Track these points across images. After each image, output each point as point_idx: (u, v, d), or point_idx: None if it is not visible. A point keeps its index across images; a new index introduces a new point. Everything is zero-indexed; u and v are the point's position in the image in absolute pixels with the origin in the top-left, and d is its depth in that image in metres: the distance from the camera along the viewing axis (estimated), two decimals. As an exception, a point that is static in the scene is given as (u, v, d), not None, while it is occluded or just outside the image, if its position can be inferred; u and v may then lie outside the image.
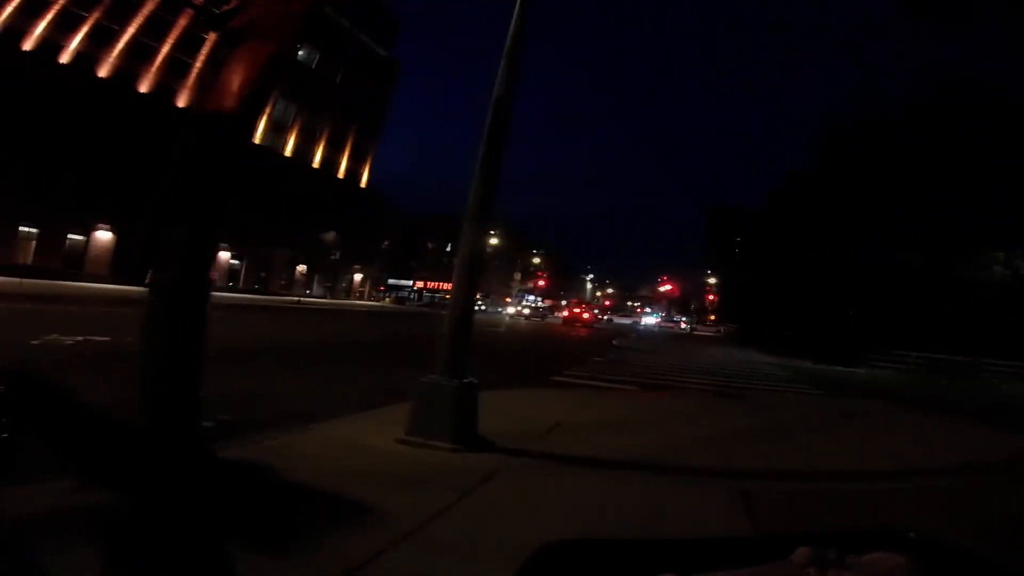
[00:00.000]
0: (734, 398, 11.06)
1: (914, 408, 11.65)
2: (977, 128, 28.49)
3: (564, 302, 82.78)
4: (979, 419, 10.54)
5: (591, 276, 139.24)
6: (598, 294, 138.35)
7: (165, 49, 39.54)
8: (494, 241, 68.32)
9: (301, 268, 49.73)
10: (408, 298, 68.11)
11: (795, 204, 38.09)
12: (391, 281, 71.25)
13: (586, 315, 54.20)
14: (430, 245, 76.46)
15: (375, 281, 61.10)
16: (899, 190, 30.19)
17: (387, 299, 58.85)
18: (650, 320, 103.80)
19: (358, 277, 57.70)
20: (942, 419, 10.33)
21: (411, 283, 73.64)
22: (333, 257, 53.22)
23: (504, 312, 68.77)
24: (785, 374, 19.41)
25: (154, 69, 38.97)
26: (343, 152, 56.87)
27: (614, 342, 27.92)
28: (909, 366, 26.33)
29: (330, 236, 51.19)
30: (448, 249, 79.23)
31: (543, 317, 60.54)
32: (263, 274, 45.40)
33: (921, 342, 26.91)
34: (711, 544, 1.42)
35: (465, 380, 5.25)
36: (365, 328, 25.23)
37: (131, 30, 37.69)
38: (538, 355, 19.07)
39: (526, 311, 64.76)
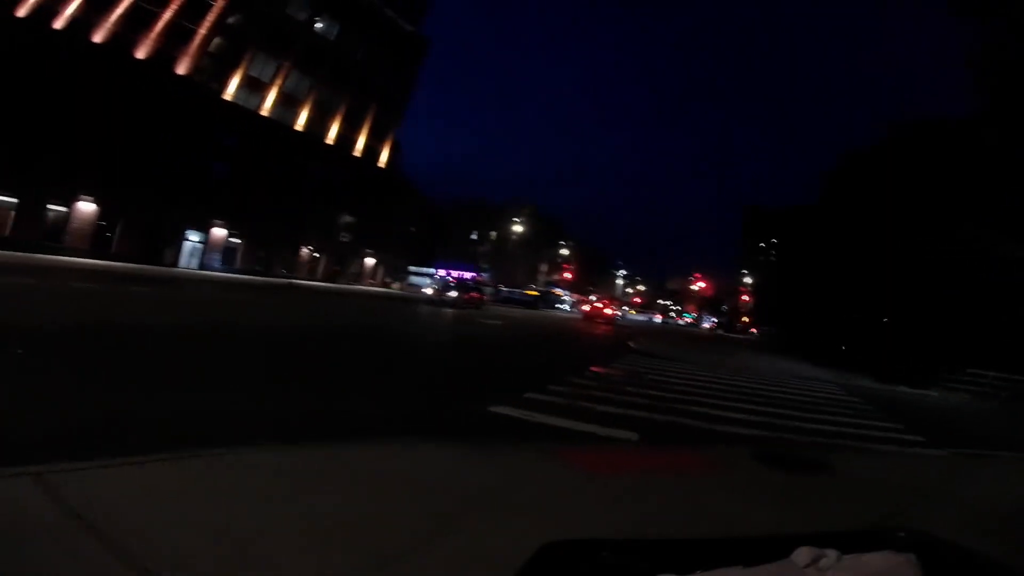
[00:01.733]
0: (809, 471, 6.23)
1: None
2: None
3: (593, 297, 79.74)
4: None
5: (623, 272, 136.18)
6: (628, 290, 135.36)
7: (166, 16, 37.52)
8: (518, 228, 66.45)
9: (307, 249, 47.44)
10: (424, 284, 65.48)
11: (853, 189, 34.35)
12: (413, 268, 69.32)
13: (608, 311, 50.33)
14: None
15: (390, 266, 58.62)
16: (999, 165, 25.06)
17: (396, 284, 56.36)
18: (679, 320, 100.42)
19: (370, 261, 55.36)
20: None
21: (433, 270, 71.56)
22: (343, 239, 51.02)
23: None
24: (853, 399, 15.32)
25: (151, 35, 36.97)
26: (360, 130, 54.62)
27: (631, 344, 23.51)
28: (984, 388, 23.17)
29: (341, 217, 49.17)
30: (474, 237, 77.31)
31: (460, 305, 57.66)
32: (263, 254, 43.21)
33: (994, 359, 23.66)
34: (711, 544, 1.38)
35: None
36: (328, 312, 22.12)
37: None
38: (530, 359, 15.44)
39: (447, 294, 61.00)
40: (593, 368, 13.27)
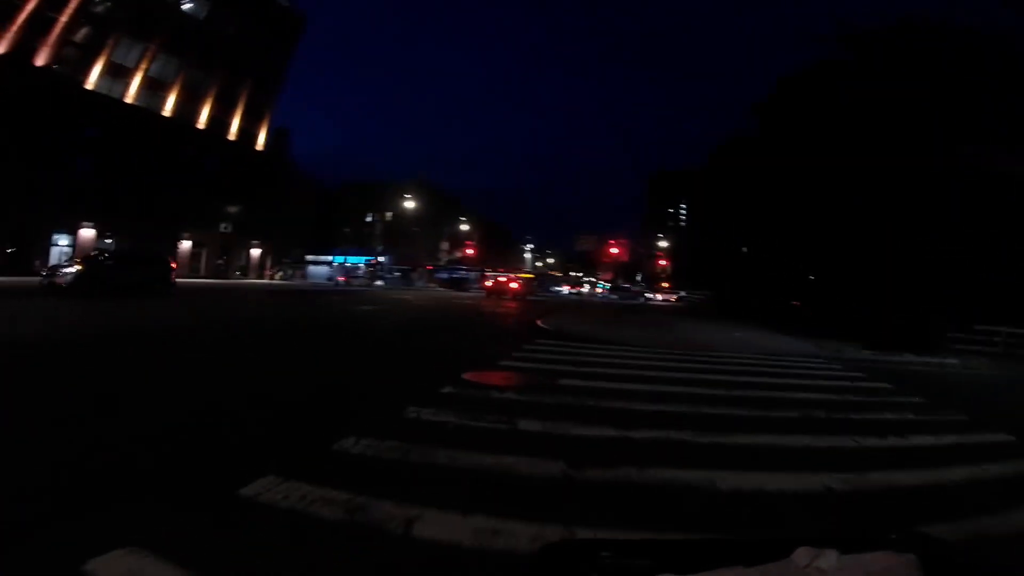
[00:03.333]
0: None
1: None
2: None
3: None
4: None
5: (531, 246, 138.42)
6: (538, 264, 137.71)
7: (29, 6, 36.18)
8: (410, 204, 66.50)
9: (186, 244, 46.74)
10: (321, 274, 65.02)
11: (799, 114, 29.59)
12: (310, 257, 68.43)
13: (514, 284, 45.99)
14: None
15: (277, 256, 58.27)
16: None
17: (278, 275, 55.95)
18: (594, 289, 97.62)
19: (256, 252, 54.91)
20: None
21: (331, 258, 70.95)
22: (225, 230, 50.44)
23: (420, 284, 67.01)
24: (880, 385, 11.29)
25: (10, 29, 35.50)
26: (235, 112, 53.98)
27: (540, 323, 19.79)
28: (1001, 348, 19.92)
29: (220, 206, 48.55)
30: (369, 219, 76.84)
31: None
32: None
33: (1000, 311, 20.63)
34: (711, 544, 1.44)
35: None
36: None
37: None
38: (387, 360, 10.79)
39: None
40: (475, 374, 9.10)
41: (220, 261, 50.51)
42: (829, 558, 1.04)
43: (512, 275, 52.67)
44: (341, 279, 59.13)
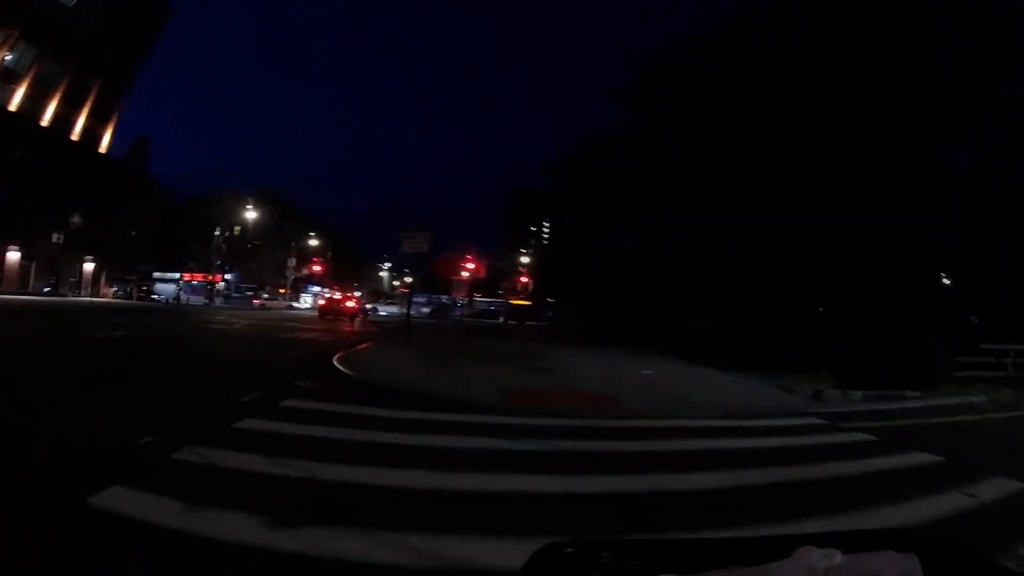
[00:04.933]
0: None
1: None
2: None
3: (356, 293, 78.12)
4: None
5: (388, 265, 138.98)
6: (395, 283, 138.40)
7: None
8: (251, 215, 64.84)
9: (13, 255, 44.08)
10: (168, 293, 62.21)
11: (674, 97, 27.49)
12: (157, 274, 65.62)
13: (350, 303, 44.63)
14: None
15: (114, 272, 55.95)
16: None
17: (112, 293, 54.23)
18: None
19: (89, 267, 52.47)
20: None
21: (178, 275, 68.58)
22: (56, 240, 47.93)
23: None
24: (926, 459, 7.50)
25: None
26: (81, 109, 51.68)
27: (338, 361, 13.95)
28: (1008, 370, 17.08)
29: (54, 214, 46.28)
30: (217, 233, 74.68)
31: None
32: None
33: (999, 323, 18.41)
34: (711, 544, 1.52)
35: None
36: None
37: None
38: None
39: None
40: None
41: (51, 279, 47.89)
42: (830, 557, 1.04)
43: (348, 294, 51.26)
44: (173, 300, 57.70)
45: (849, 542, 1.12)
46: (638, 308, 31.34)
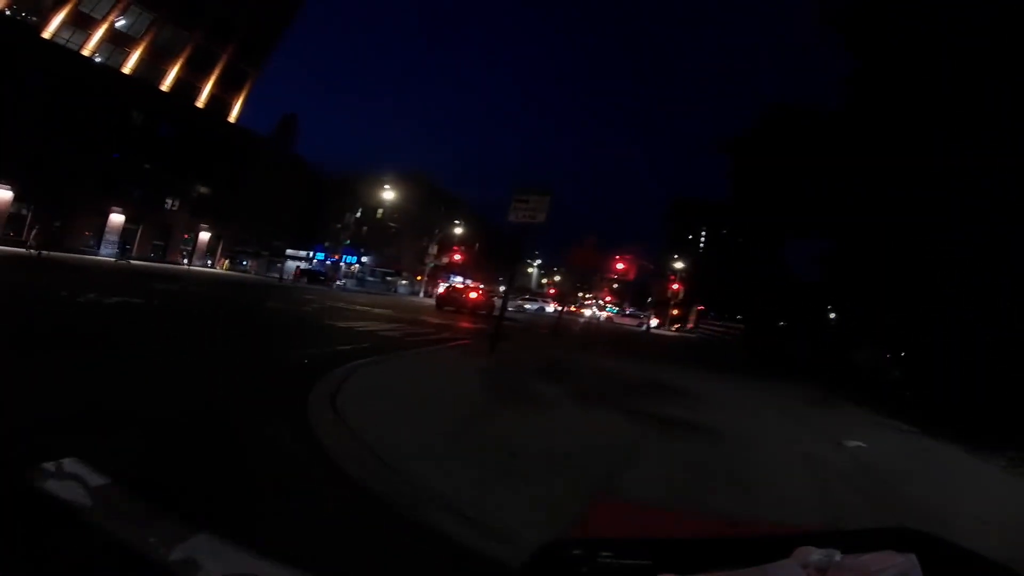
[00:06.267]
0: None
1: None
2: None
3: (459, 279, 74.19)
4: None
5: (539, 262, 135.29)
6: (543, 281, 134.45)
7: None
8: (390, 196, 62.38)
9: (117, 219, 42.84)
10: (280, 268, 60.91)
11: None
12: (290, 251, 65.10)
13: (473, 294, 38.77)
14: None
15: (234, 246, 54.88)
16: None
17: (225, 264, 52.69)
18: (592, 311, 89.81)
19: (205, 237, 51.06)
20: None
21: (308, 253, 67.65)
22: (169, 207, 46.74)
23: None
24: None
25: None
26: (208, 76, 50.61)
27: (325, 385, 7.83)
28: None
29: (167, 178, 45.03)
30: (359, 215, 73.37)
31: None
32: (57, 224, 37.37)
33: None
34: (711, 544, 1.45)
35: None
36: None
37: None
38: None
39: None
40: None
41: (160, 243, 46.71)
42: (830, 557, 1.03)
43: (472, 285, 46.52)
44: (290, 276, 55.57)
45: (849, 542, 1.12)
46: (810, 331, 27.64)
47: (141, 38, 45.04)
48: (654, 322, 71.70)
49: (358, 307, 27.62)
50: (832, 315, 27.68)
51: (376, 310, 27.34)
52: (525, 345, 18.67)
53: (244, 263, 55.86)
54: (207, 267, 50.17)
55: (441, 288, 43.90)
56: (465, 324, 26.49)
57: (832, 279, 26.37)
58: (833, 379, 20.06)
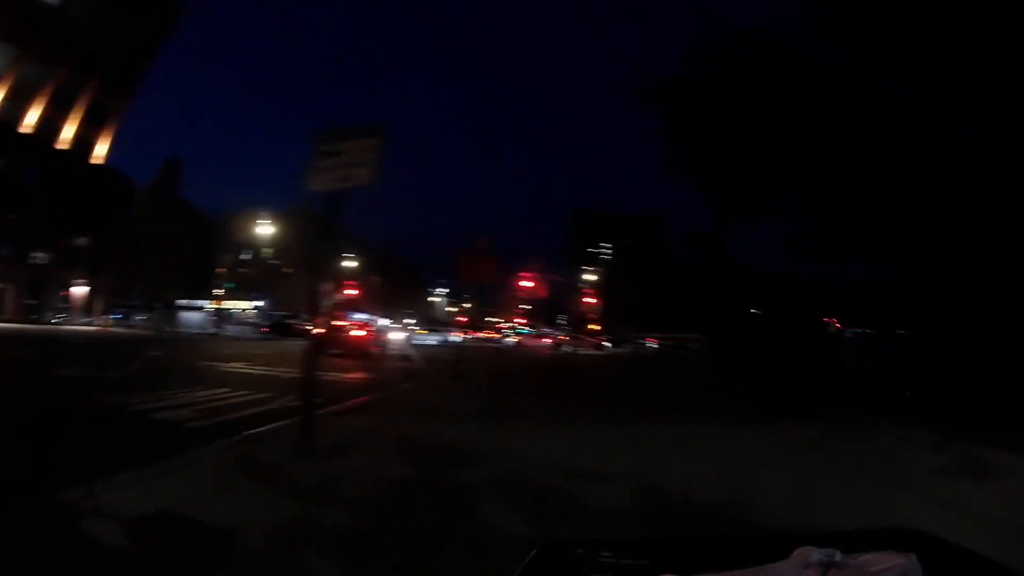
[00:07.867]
0: None
1: None
2: None
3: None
4: None
5: (445, 291, 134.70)
6: (450, 309, 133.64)
7: None
8: (270, 232, 59.48)
9: None
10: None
11: None
12: (183, 302, 61.20)
13: (357, 331, 32.17)
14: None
15: (111, 296, 50.74)
16: None
17: (106, 322, 48.63)
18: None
19: (79, 291, 47.26)
20: None
21: (207, 302, 63.73)
22: (35, 261, 42.92)
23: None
24: None
25: None
26: (68, 114, 47.23)
27: None
28: None
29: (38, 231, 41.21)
30: (245, 257, 70.20)
31: None
32: None
33: None
34: (711, 544, 1.45)
35: None
36: None
37: None
38: None
39: None
40: None
41: (32, 302, 42.99)
42: (829, 557, 1.03)
43: (352, 321, 38.23)
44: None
45: (849, 541, 1.12)
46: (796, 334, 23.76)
47: (1, 77, 41.93)
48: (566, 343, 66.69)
49: (206, 362, 20.66)
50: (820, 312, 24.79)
51: (228, 365, 19.92)
52: (394, 413, 10.75)
53: (136, 318, 51.74)
54: (87, 325, 45.40)
55: (320, 329, 39.20)
56: (339, 375, 18.53)
57: (814, 266, 21.89)
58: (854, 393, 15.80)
